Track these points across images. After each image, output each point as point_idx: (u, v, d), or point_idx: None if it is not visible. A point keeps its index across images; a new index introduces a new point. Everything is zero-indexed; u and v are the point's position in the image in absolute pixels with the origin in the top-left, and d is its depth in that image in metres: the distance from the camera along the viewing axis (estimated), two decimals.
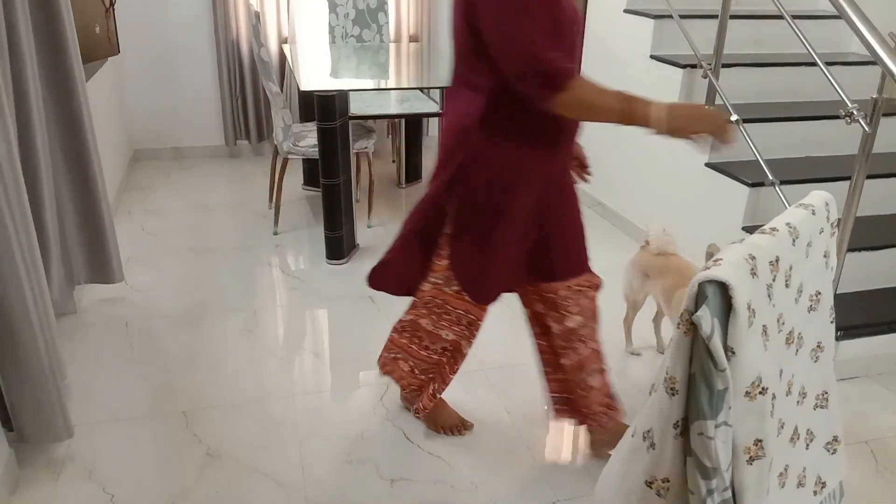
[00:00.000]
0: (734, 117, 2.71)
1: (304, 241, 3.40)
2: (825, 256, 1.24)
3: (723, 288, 0.97)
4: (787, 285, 1.11)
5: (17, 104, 2.10)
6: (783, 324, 1.11)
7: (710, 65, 2.89)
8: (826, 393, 1.31)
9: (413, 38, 4.59)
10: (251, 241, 3.39)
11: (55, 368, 1.86)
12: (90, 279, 2.64)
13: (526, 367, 2.42)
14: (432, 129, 4.73)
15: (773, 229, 1.11)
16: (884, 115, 2.16)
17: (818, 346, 1.26)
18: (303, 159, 4.04)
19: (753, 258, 1.02)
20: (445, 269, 1.85)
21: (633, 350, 2.55)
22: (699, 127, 1.49)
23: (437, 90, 3.27)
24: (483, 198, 1.73)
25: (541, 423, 2.16)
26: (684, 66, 3.05)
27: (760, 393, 1.03)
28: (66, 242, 2.50)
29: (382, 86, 3.47)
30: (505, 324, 2.70)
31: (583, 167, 1.93)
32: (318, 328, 2.67)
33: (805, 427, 1.26)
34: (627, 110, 1.48)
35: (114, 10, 3.37)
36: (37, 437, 1.87)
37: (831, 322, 1.29)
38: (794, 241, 1.12)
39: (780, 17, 2.55)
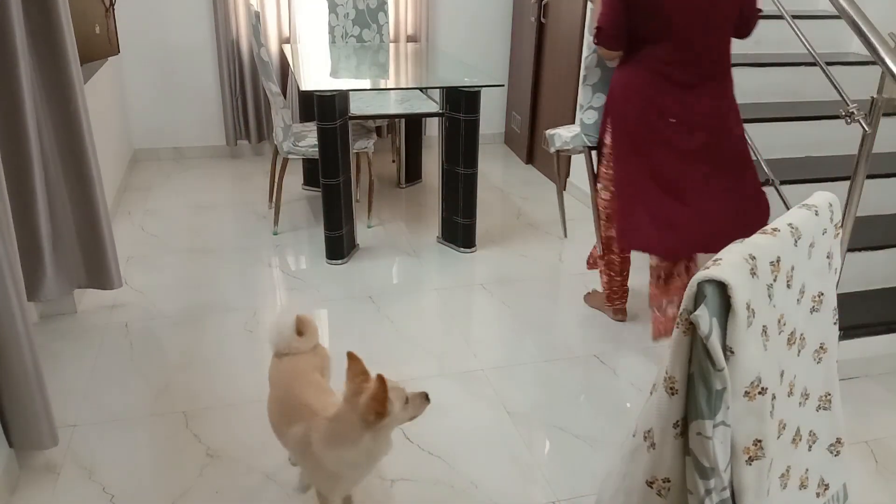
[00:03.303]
0: None
1: (304, 241, 3.40)
2: (828, 257, 1.23)
3: (722, 287, 0.97)
4: (788, 286, 1.10)
5: (9, 107, 2.10)
6: (784, 324, 1.11)
7: None
8: (829, 395, 1.30)
9: (411, 39, 4.59)
10: (251, 241, 3.38)
11: (40, 377, 1.85)
12: (88, 284, 2.63)
13: (526, 367, 2.42)
14: (432, 128, 4.73)
15: (775, 229, 1.11)
16: (884, 115, 2.16)
17: (821, 348, 1.26)
18: (303, 159, 4.04)
19: (754, 258, 1.02)
20: None
21: None
22: None
23: (437, 90, 3.27)
24: None
25: (541, 423, 2.16)
26: None
27: (760, 393, 1.03)
28: (61, 246, 2.48)
29: (382, 86, 3.47)
30: (505, 324, 2.70)
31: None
32: (318, 328, 2.66)
33: (807, 429, 1.26)
34: None
35: (114, 10, 3.37)
36: (23, 444, 1.87)
37: (834, 323, 1.28)
38: (795, 241, 1.11)
39: (780, 17, 2.55)
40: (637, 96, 2.22)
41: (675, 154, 2.21)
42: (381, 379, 1.42)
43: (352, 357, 1.51)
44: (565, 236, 3.48)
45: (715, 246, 2.07)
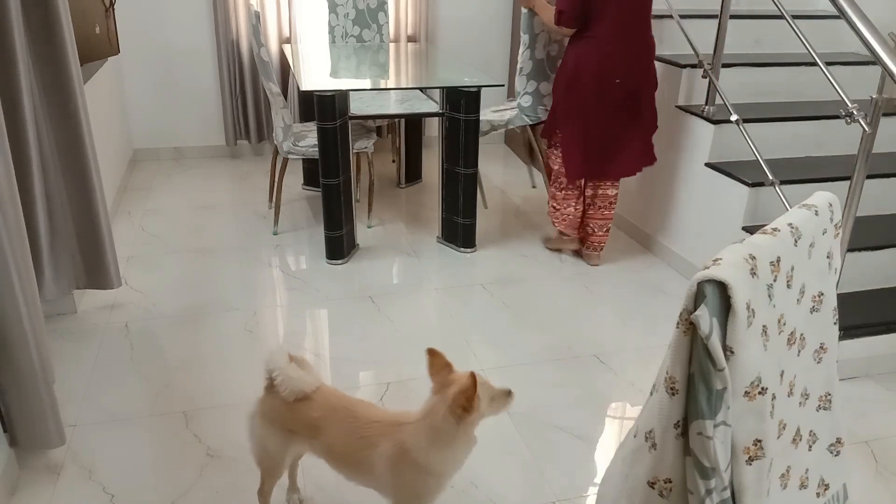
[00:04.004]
0: (734, 117, 2.71)
1: (304, 241, 3.40)
2: (828, 257, 1.23)
3: (722, 287, 0.97)
4: (788, 286, 1.10)
5: (9, 107, 2.09)
6: (784, 324, 1.11)
7: (710, 64, 2.89)
8: (829, 395, 1.30)
9: (411, 39, 4.59)
10: (251, 241, 3.39)
11: (48, 376, 1.85)
12: (87, 285, 2.62)
13: (526, 367, 2.42)
14: (432, 129, 4.73)
15: (775, 229, 1.11)
16: (884, 115, 2.16)
17: (821, 348, 1.26)
18: (303, 159, 4.04)
19: (754, 258, 1.02)
20: None
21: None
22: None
23: (437, 90, 3.27)
24: None
25: (541, 423, 2.16)
26: (684, 66, 3.05)
27: (760, 393, 1.03)
28: (60, 246, 2.47)
29: (382, 86, 3.47)
30: (505, 324, 2.70)
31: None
32: (318, 328, 2.67)
33: (807, 428, 1.26)
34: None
35: (114, 10, 3.37)
36: (29, 443, 1.87)
37: (834, 323, 1.28)
38: (795, 241, 1.11)
39: (780, 17, 2.55)
40: (590, 66, 2.80)
41: (611, 108, 2.85)
42: (472, 376, 1.39)
43: (432, 352, 1.48)
44: (486, 207, 3.87)
45: (616, 174, 3.03)
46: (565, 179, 3.06)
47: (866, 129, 2.16)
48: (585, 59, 2.82)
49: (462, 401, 1.40)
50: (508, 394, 1.49)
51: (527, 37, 3.12)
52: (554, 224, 3.22)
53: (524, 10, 3.13)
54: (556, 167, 3.10)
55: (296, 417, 1.56)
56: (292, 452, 1.65)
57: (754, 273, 1.01)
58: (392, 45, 4.29)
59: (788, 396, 1.17)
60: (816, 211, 1.19)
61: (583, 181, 3.08)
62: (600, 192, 3.08)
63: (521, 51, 3.18)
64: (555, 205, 3.17)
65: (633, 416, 2.22)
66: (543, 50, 3.22)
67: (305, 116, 3.94)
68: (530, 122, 3.39)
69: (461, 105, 3.06)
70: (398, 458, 1.46)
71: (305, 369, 1.62)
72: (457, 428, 1.43)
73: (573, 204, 3.11)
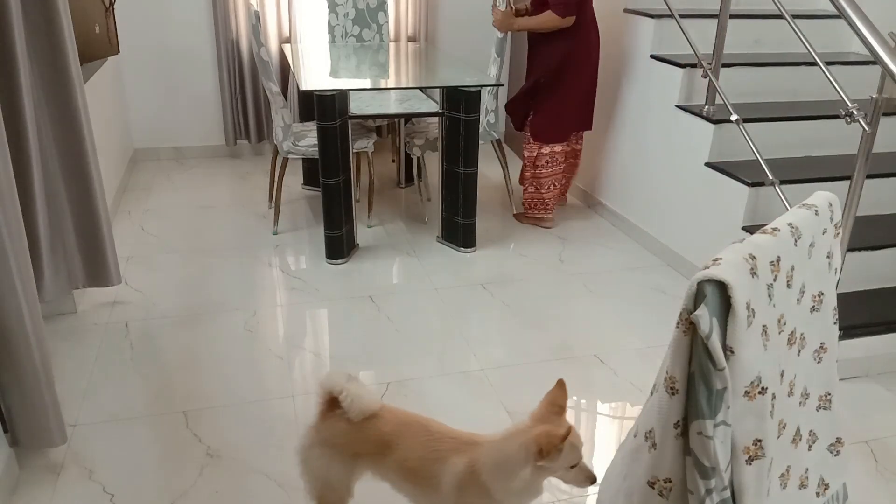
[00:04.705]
0: (734, 117, 2.71)
1: (304, 241, 3.40)
2: (828, 257, 1.23)
3: (722, 287, 0.97)
4: (788, 286, 1.10)
5: (9, 107, 2.09)
6: (784, 324, 1.11)
7: (709, 64, 2.89)
8: (829, 394, 1.30)
9: (411, 39, 4.59)
10: (251, 241, 3.38)
11: (49, 375, 1.85)
12: (87, 283, 2.62)
13: (526, 367, 2.42)
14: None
15: (775, 229, 1.11)
16: (884, 114, 2.16)
17: (821, 348, 1.26)
18: (303, 159, 4.03)
19: (754, 258, 1.02)
20: None
21: None
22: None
23: (437, 90, 3.27)
24: None
25: None
26: (684, 66, 3.05)
27: (760, 393, 1.03)
28: (60, 245, 2.47)
29: (382, 85, 3.47)
30: (505, 324, 2.70)
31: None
32: (318, 328, 2.67)
33: (807, 428, 1.26)
34: None
35: (114, 9, 3.37)
36: (31, 442, 1.86)
37: (834, 323, 1.28)
38: (795, 241, 1.11)
39: (780, 16, 2.55)
40: (585, 47, 3.32)
41: (590, 78, 3.41)
42: (568, 430, 1.29)
43: (561, 385, 1.40)
44: (429, 199, 4.01)
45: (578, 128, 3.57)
46: (555, 151, 3.48)
47: (866, 128, 2.16)
48: (581, 44, 3.30)
49: (544, 442, 1.30)
50: (590, 478, 1.37)
51: (500, 59, 3.48)
52: (541, 216, 3.64)
53: (499, 35, 3.44)
54: (546, 151, 3.47)
55: (363, 438, 1.50)
56: (356, 478, 1.57)
57: (754, 273, 1.01)
58: (392, 45, 4.29)
59: (788, 396, 1.17)
60: (816, 211, 1.19)
61: (565, 151, 3.55)
62: (571, 147, 3.59)
63: (492, 72, 3.53)
64: (542, 192, 3.57)
65: (633, 415, 2.22)
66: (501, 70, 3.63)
67: (305, 116, 3.94)
68: (497, 137, 3.69)
69: (461, 105, 3.06)
70: (466, 478, 1.40)
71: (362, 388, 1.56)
72: (524, 464, 1.34)
73: (557, 182, 3.58)
